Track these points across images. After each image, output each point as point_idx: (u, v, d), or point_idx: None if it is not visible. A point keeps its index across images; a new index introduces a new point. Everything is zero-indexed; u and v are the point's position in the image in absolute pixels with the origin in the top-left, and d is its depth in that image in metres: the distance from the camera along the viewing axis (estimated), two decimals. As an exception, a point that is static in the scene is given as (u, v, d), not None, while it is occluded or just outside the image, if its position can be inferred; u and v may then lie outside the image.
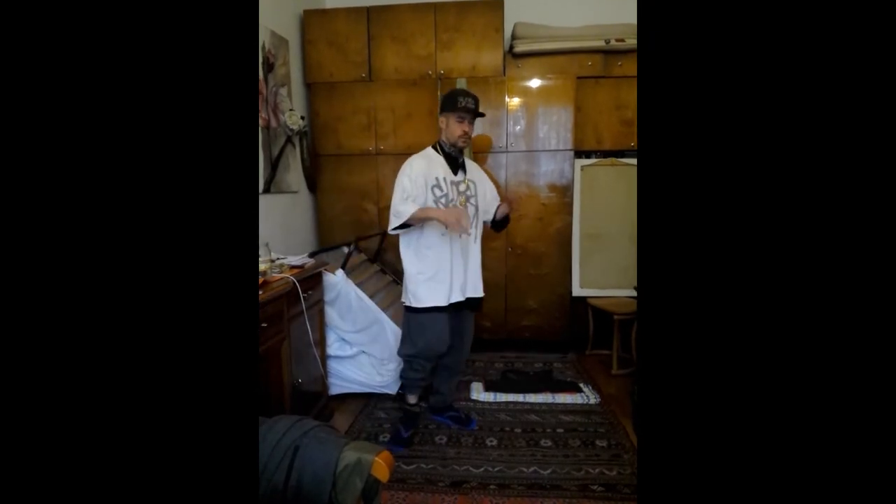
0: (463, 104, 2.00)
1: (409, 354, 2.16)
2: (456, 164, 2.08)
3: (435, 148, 2.10)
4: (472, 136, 2.09)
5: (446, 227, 1.91)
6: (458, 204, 2.04)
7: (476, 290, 2.16)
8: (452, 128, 2.03)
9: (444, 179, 2.03)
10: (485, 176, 2.24)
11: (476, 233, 2.12)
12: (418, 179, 1.98)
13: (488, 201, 2.19)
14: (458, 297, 2.08)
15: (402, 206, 1.92)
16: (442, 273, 2.04)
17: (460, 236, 2.00)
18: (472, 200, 2.11)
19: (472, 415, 2.33)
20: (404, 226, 1.94)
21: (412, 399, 2.24)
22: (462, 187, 2.08)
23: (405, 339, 2.18)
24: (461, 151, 2.09)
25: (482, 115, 2.08)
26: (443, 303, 2.05)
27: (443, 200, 2.01)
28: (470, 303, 2.15)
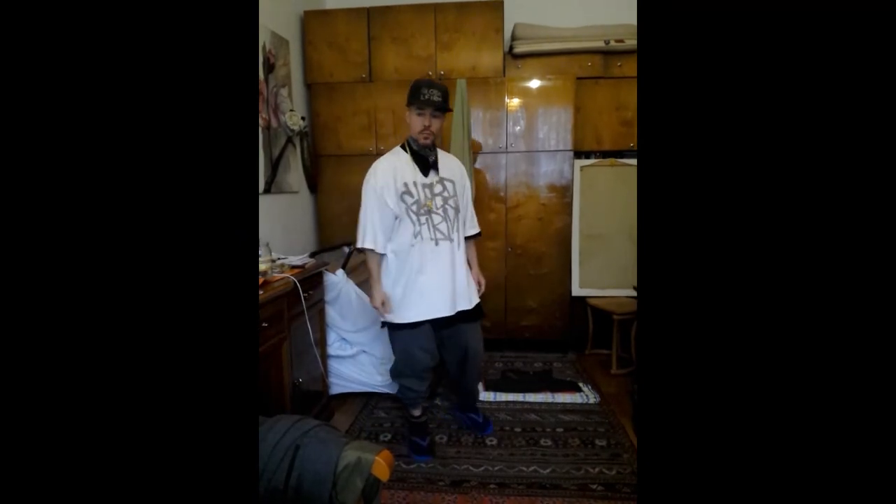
0: (426, 96, 1.78)
1: (397, 376, 2.05)
2: (426, 164, 1.88)
3: (403, 147, 1.91)
4: (436, 130, 1.85)
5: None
6: (430, 208, 1.86)
7: (466, 303, 1.97)
8: (413, 122, 1.83)
9: (414, 184, 1.85)
10: (464, 173, 2.02)
11: (458, 238, 1.94)
12: (385, 191, 1.83)
13: (465, 203, 2.01)
14: (445, 312, 1.91)
15: (369, 244, 1.86)
16: (417, 287, 1.88)
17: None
18: (451, 202, 1.90)
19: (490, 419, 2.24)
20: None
21: (416, 412, 2.11)
22: (437, 189, 1.89)
23: (395, 359, 2.06)
24: (430, 149, 1.88)
25: (449, 109, 1.86)
26: (423, 318, 1.90)
27: (414, 207, 1.85)
28: (463, 315, 1.96)
